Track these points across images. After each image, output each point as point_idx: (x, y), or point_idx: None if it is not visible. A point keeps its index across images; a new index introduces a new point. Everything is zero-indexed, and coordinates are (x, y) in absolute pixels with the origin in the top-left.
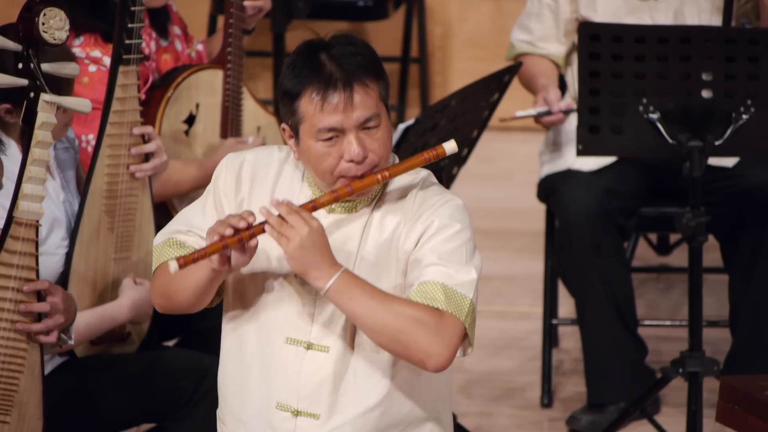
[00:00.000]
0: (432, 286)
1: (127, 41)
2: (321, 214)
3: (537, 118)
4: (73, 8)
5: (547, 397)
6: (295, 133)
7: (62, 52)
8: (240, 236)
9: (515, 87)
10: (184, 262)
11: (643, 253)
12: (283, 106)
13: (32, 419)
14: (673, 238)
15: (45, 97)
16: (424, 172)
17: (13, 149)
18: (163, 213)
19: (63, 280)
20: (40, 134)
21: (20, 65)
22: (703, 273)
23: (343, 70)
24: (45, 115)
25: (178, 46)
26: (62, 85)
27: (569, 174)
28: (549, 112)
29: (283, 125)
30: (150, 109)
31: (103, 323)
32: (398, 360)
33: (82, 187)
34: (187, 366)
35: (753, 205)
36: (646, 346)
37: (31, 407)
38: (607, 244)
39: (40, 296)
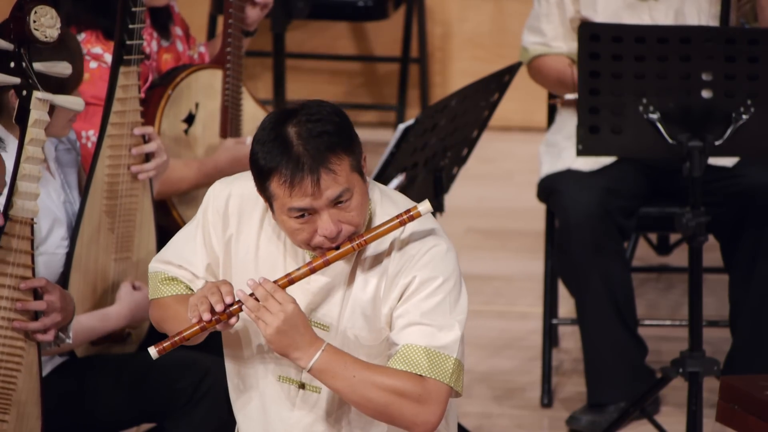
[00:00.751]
0: (414, 350)
1: (128, 42)
2: (304, 259)
3: None
4: (75, 5)
5: (547, 397)
6: (270, 205)
7: (62, 50)
8: (218, 317)
9: (515, 87)
10: (163, 350)
11: (643, 253)
12: (255, 180)
13: (31, 418)
14: (673, 238)
15: (38, 94)
16: (406, 205)
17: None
18: (163, 212)
19: (63, 279)
20: (34, 131)
21: (12, 64)
22: (703, 273)
23: (309, 154)
24: (38, 113)
25: (180, 46)
26: (69, 84)
27: (569, 174)
28: None
29: (258, 192)
30: (149, 108)
31: (96, 329)
32: None
33: (83, 187)
34: (187, 366)
35: (753, 205)
36: (646, 346)
37: (30, 406)
38: (607, 244)
39: (37, 294)
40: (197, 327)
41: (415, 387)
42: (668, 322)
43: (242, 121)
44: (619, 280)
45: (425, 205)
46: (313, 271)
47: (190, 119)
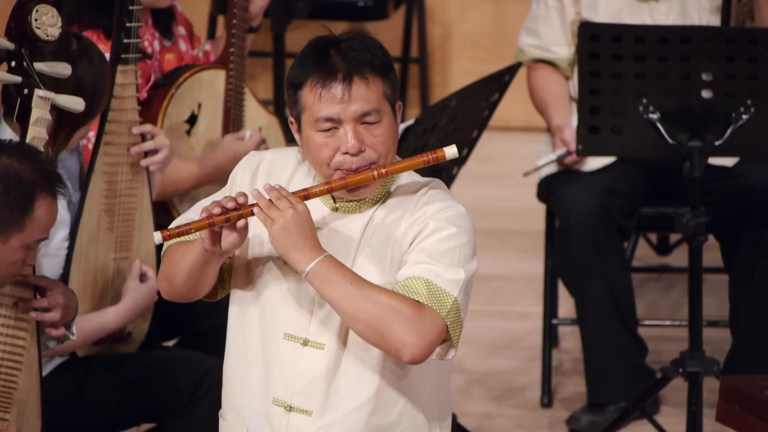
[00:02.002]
0: (416, 281)
1: (125, 40)
2: (326, 212)
3: (559, 160)
4: (78, 4)
5: (547, 397)
6: (298, 123)
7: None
8: (228, 216)
9: (515, 87)
10: (169, 234)
11: (643, 253)
12: (288, 97)
13: (31, 418)
14: (673, 238)
15: (39, 92)
16: (434, 180)
17: None
18: (163, 212)
19: (63, 279)
20: (35, 130)
21: (13, 63)
22: (703, 273)
23: (347, 62)
24: (39, 111)
25: (183, 46)
26: (98, 107)
27: (569, 174)
28: (569, 153)
29: (291, 118)
30: (152, 107)
31: (97, 330)
32: (388, 360)
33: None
34: (187, 366)
35: (753, 205)
36: (646, 346)
37: (30, 406)
38: (607, 244)
39: (38, 292)
40: (206, 221)
41: (410, 309)
42: (668, 322)
43: (244, 122)
44: (619, 280)
45: (451, 149)
46: (330, 190)
47: (192, 119)
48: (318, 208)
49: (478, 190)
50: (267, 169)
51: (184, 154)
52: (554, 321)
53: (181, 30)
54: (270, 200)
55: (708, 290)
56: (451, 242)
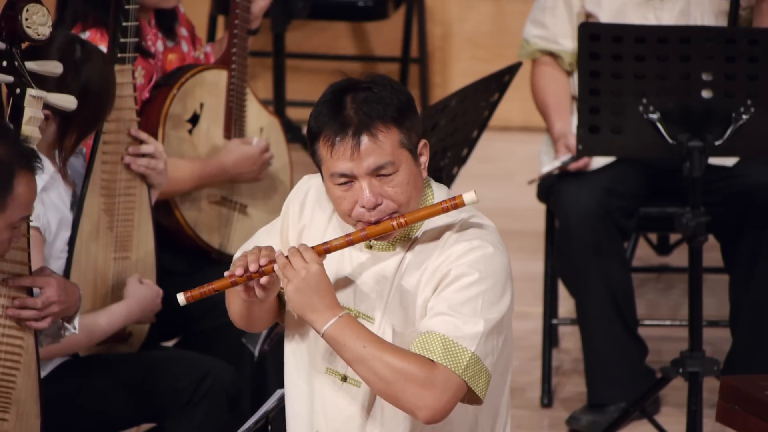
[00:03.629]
0: (433, 337)
1: (122, 39)
2: (361, 252)
3: (563, 166)
4: (84, 3)
5: (547, 397)
6: (321, 173)
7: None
8: (249, 275)
9: (515, 87)
10: (191, 296)
11: (643, 253)
12: (309, 146)
13: (30, 417)
14: (673, 238)
15: (31, 92)
16: (466, 213)
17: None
18: (165, 212)
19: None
20: (28, 129)
21: (5, 62)
22: (703, 273)
23: (359, 116)
24: (32, 110)
25: (185, 47)
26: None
27: (569, 174)
28: (574, 158)
29: (312, 160)
30: (154, 107)
31: (103, 328)
32: None
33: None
34: (187, 366)
35: (753, 205)
36: (646, 346)
37: (29, 405)
38: (607, 244)
39: (32, 291)
40: (228, 281)
41: (422, 371)
42: (668, 322)
43: (246, 122)
44: (619, 280)
45: (470, 195)
46: (350, 243)
47: (194, 119)
48: (362, 252)
49: (478, 190)
50: (315, 198)
51: (186, 154)
52: (554, 321)
53: (183, 31)
54: (287, 258)
55: (708, 290)
56: (472, 290)
